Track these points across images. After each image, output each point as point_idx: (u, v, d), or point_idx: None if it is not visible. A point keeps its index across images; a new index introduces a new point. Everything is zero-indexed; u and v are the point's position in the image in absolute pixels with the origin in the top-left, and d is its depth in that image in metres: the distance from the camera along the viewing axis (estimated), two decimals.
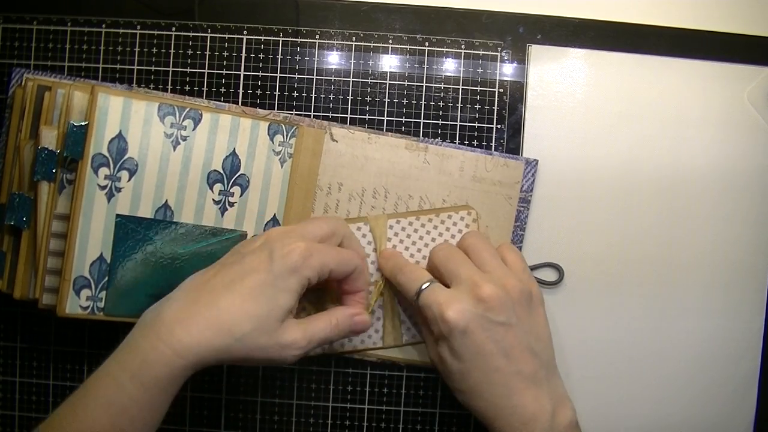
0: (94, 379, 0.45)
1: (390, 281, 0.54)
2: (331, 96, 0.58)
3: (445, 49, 0.58)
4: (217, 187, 0.53)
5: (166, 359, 0.44)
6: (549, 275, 0.58)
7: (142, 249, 0.51)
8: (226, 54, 0.57)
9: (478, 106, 0.58)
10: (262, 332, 0.46)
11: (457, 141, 0.57)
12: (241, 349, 0.45)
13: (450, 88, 0.58)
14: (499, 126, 0.58)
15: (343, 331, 0.50)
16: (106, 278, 0.50)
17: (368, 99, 0.58)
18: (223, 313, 0.45)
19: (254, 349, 0.46)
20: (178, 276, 0.52)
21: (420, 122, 0.58)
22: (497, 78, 0.58)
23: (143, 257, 0.51)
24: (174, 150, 0.51)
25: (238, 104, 0.57)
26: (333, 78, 0.58)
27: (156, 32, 0.57)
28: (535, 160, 0.57)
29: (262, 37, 0.57)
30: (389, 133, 0.57)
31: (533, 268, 0.57)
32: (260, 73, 0.57)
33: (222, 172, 0.53)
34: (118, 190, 0.50)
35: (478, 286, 0.48)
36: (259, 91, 0.57)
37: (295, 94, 0.57)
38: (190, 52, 0.57)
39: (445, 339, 0.48)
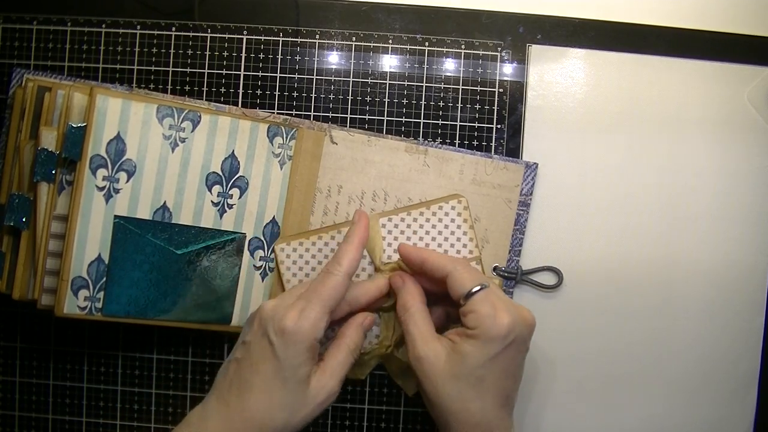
0: None
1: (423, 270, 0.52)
2: (331, 96, 0.57)
3: (445, 49, 0.58)
4: (216, 188, 0.53)
5: None
6: (549, 279, 0.58)
7: (141, 250, 0.51)
8: (226, 54, 0.57)
9: (477, 106, 0.58)
10: (297, 409, 0.48)
11: (456, 141, 0.57)
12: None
13: (450, 88, 0.58)
14: (499, 126, 0.58)
15: (361, 343, 0.52)
16: (104, 279, 0.50)
17: (368, 99, 0.57)
18: (256, 414, 0.47)
19: (297, 425, 0.48)
20: (176, 277, 0.52)
21: (420, 122, 0.57)
22: (497, 78, 0.58)
23: (141, 258, 0.51)
24: (173, 151, 0.51)
25: (237, 104, 0.57)
26: (333, 78, 0.57)
27: (156, 32, 0.57)
28: (535, 163, 0.57)
29: (262, 37, 0.57)
30: (389, 136, 0.57)
31: (533, 272, 0.57)
32: (260, 74, 0.57)
33: (221, 173, 0.53)
34: (117, 191, 0.50)
35: (523, 309, 0.49)
36: (259, 91, 0.57)
37: (295, 94, 0.57)
38: (190, 52, 0.57)
39: (485, 342, 0.46)
